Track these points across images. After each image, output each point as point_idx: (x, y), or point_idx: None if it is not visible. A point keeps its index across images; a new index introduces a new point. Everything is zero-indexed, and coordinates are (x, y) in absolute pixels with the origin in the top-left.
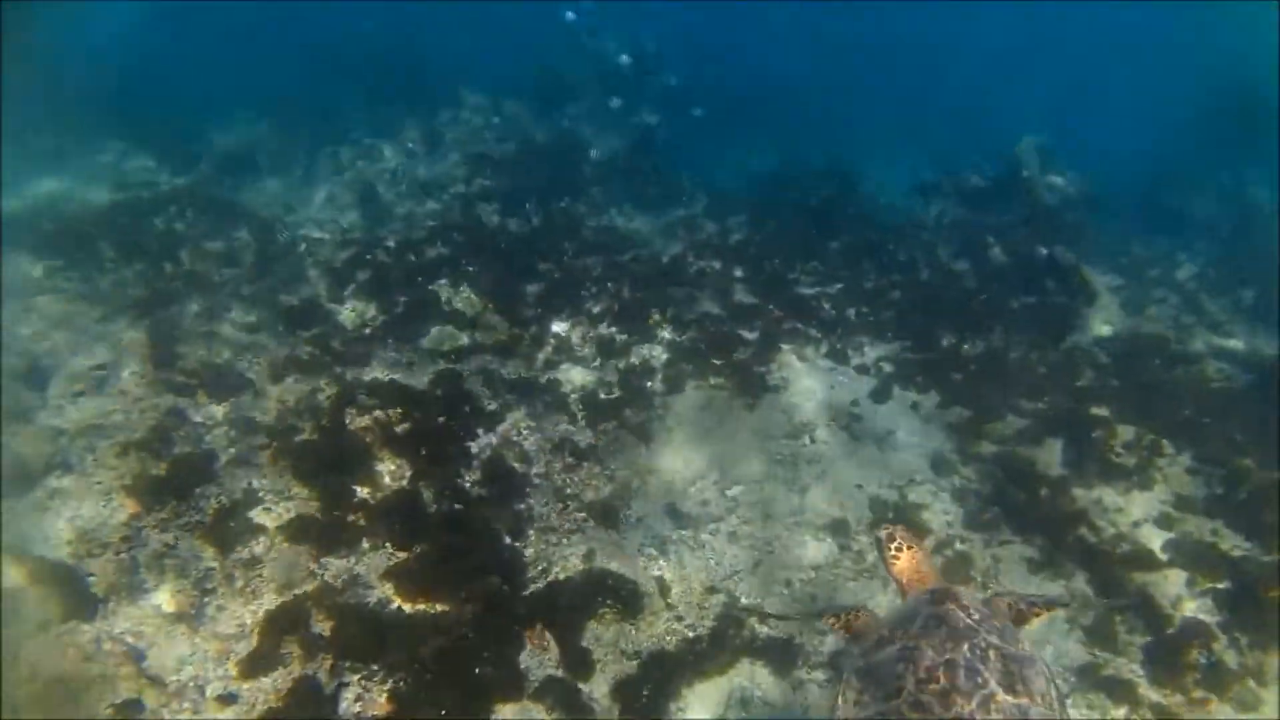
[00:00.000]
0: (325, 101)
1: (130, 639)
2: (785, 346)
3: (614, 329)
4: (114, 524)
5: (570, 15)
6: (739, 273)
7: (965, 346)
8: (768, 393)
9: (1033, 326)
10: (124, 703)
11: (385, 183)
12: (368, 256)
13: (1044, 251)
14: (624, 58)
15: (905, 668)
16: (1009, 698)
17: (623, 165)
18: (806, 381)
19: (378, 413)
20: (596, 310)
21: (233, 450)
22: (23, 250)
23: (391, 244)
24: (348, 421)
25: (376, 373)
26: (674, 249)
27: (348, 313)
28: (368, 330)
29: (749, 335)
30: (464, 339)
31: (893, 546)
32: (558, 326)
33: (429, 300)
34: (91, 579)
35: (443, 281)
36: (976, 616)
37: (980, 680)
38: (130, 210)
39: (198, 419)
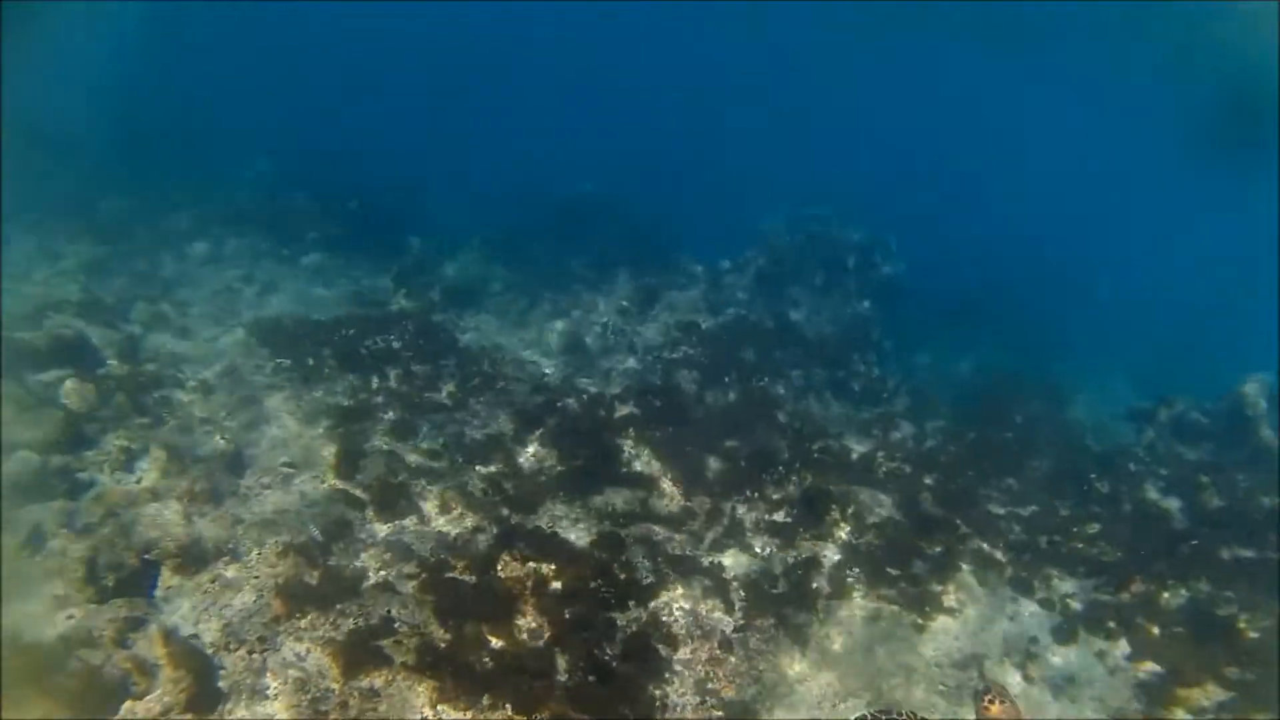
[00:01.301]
0: (554, 252)
1: None
2: (966, 567)
3: (790, 519)
4: (257, 622)
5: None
6: (929, 480)
7: (1166, 595)
8: (941, 614)
9: (1248, 584)
10: None
11: (594, 335)
12: (559, 404)
13: (1267, 502)
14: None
15: None
16: None
17: (830, 353)
18: (985, 608)
19: (532, 564)
20: (776, 497)
21: (383, 573)
22: (262, 345)
23: (586, 395)
24: (500, 567)
25: (541, 522)
26: (865, 446)
27: (528, 456)
28: (543, 478)
29: (929, 549)
30: (636, 504)
31: (986, 699)
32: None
33: (610, 457)
34: (222, 672)
35: (628, 442)
36: None
37: None
38: (361, 324)
39: (360, 534)
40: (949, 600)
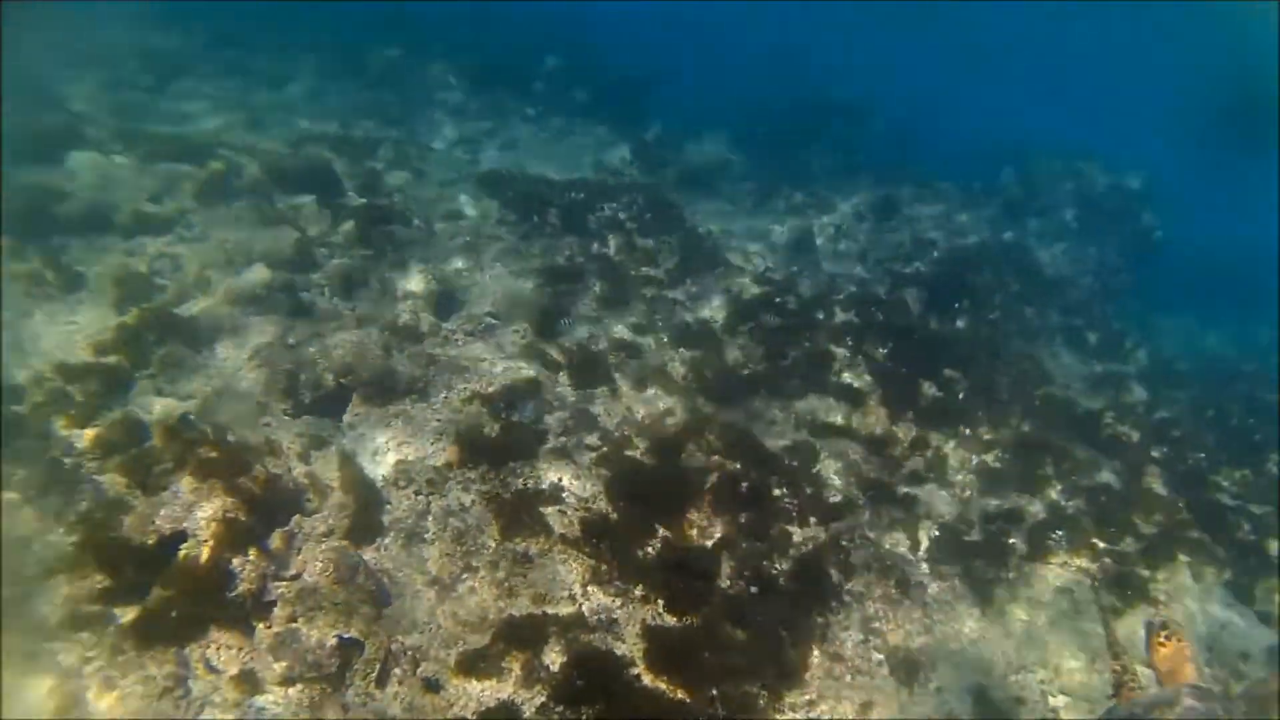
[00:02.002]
0: (798, 149)
1: (387, 579)
2: (1183, 557)
3: (999, 465)
4: (429, 465)
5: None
6: (1156, 453)
7: None
8: (1142, 602)
9: None
10: (348, 639)
11: (825, 237)
12: (777, 300)
13: None
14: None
15: None
16: None
17: (1070, 297)
18: (1191, 605)
19: (717, 458)
20: (988, 438)
21: (564, 440)
22: (491, 197)
23: (806, 295)
24: (685, 455)
25: (736, 417)
26: (1093, 403)
27: (736, 349)
28: (747, 371)
29: (1143, 528)
30: (838, 417)
31: (1163, 635)
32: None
33: (820, 365)
34: (387, 507)
35: (841, 351)
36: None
37: None
38: (590, 190)
39: (549, 396)
40: (1155, 589)
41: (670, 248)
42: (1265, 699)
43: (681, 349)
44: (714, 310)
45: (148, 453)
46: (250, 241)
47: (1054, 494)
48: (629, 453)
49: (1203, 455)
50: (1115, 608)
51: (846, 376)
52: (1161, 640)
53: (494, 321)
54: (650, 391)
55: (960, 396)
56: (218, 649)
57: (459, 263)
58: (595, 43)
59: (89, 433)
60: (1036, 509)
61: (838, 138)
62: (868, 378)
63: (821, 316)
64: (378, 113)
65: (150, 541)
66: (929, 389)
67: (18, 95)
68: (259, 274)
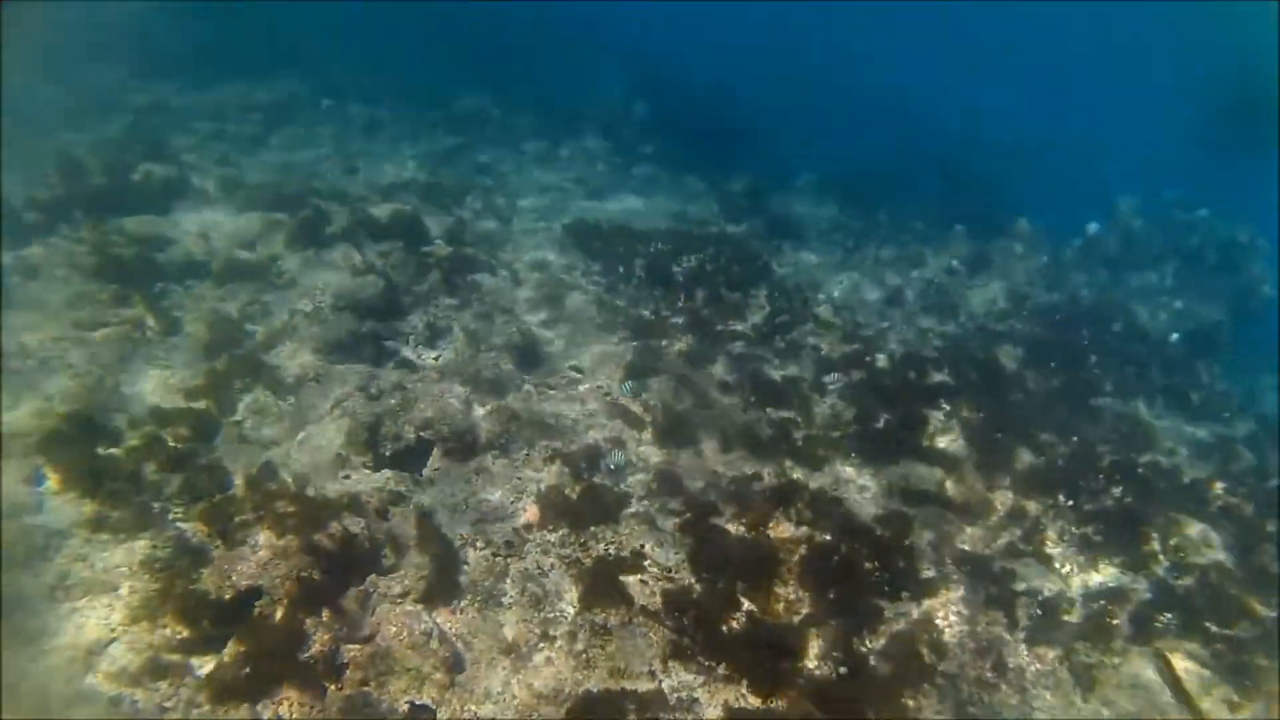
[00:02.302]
0: (891, 199)
1: (457, 642)
2: None
3: (1100, 538)
4: (508, 526)
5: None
6: (1271, 528)
7: None
8: (1258, 696)
9: None
10: (420, 705)
11: (916, 291)
12: (867, 358)
13: None
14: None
15: None
16: None
17: (1171, 355)
18: None
19: (806, 529)
20: (1088, 508)
21: (645, 504)
22: (576, 247)
23: (898, 353)
24: (772, 524)
25: (825, 482)
26: (1199, 470)
27: (825, 407)
28: (836, 434)
29: (1261, 613)
30: (932, 484)
31: None
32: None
33: (913, 425)
34: (465, 568)
35: (936, 413)
36: None
37: None
38: (677, 240)
39: (632, 456)
40: (1270, 684)
41: (757, 302)
42: None
43: (769, 409)
44: (802, 367)
45: (230, 501)
46: (337, 289)
47: (1160, 570)
48: (714, 519)
49: None
50: (1231, 701)
51: (940, 440)
52: None
53: (577, 376)
54: (737, 453)
55: (1059, 463)
56: (289, 706)
57: (543, 314)
58: (686, 89)
59: (177, 478)
60: (1142, 587)
61: (930, 186)
62: (962, 442)
63: (914, 376)
64: (466, 160)
65: (227, 596)
66: (1025, 454)
67: (135, 146)
68: (345, 322)
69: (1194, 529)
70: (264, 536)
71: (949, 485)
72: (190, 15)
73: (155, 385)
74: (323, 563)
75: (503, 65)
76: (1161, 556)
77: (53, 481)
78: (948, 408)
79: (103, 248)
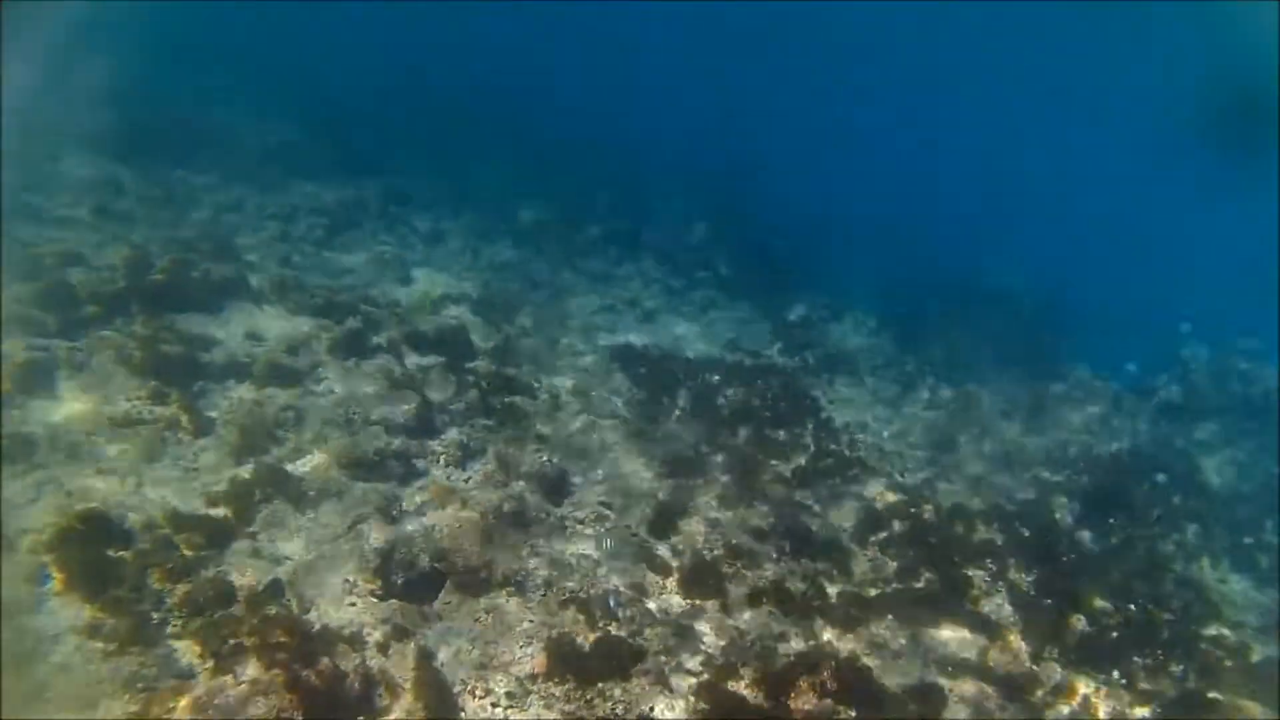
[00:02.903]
0: (949, 337)
1: None
2: None
3: None
4: (513, 674)
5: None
6: None
7: None
8: None
9: None
10: None
11: (970, 436)
12: (912, 509)
13: None
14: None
15: None
16: None
17: (1238, 513)
18: None
19: (830, 702)
20: (1146, 687)
21: (662, 659)
22: (621, 372)
23: (945, 506)
24: (793, 695)
25: (858, 646)
26: (1269, 646)
27: (864, 562)
28: (874, 592)
29: None
30: (973, 652)
31: None
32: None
33: (956, 588)
34: (461, 715)
35: (980, 574)
36: None
37: None
38: (725, 371)
39: (651, 605)
40: None
41: (803, 442)
42: None
43: (805, 560)
44: (843, 516)
45: (230, 619)
46: (373, 402)
47: None
48: (732, 684)
49: None
50: None
51: (984, 604)
52: None
53: (606, 512)
54: (764, 610)
55: (1113, 634)
56: None
57: (578, 442)
58: (748, 211)
59: (182, 588)
60: None
61: (986, 323)
62: (1008, 607)
63: (961, 531)
64: (522, 275)
65: None
66: (1077, 622)
67: (204, 246)
68: (374, 438)
69: (1259, 715)
70: (252, 667)
71: (991, 655)
72: (272, 117)
73: (178, 488)
74: (305, 701)
75: (571, 176)
76: None
77: (57, 581)
78: (994, 568)
79: (152, 343)
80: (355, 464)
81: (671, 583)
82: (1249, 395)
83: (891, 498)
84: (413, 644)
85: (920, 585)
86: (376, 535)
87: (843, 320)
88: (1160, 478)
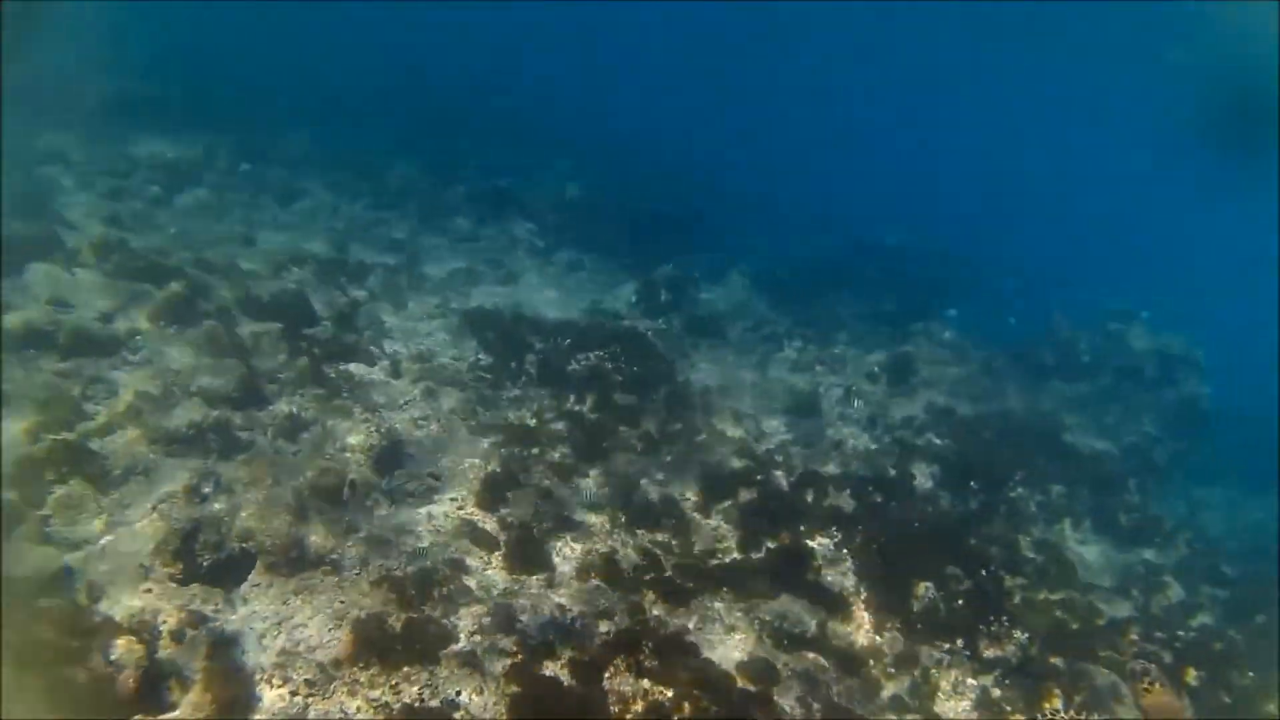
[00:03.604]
0: (823, 294)
1: None
2: None
3: (1000, 689)
4: (316, 658)
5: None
6: (1193, 679)
7: None
8: None
9: None
10: None
11: (834, 398)
12: (759, 476)
13: None
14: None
15: None
16: None
17: (1102, 473)
18: None
19: (646, 682)
20: (989, 655)
21: (475, 641)
22: (472, 336)
23: (796, 470)
24: (608, 674)
25: (689, 621)
26: (1119, 608)
27: (705, 532)
28: (713, 563)
29: None
30: (812, 626)
31: (1145, 681)
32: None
33: (799, 558)
34: (258, 705)
35: (827, 541)
36: None
37: None
38: (581, 333)
39: (472, 583)
40: None
41: (654, 408)
42: None
43: (641, 531)
44: (686, 485)
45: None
46: (195, 373)
47: None
48: (548, 665)
49: (1252, 675)
50: None
51: (829, 575)
52: (1146, 686)
53: (435, 484)
54: (592, 584)
55: (959, 602)
56: None
57: (414, 412)
58: (634, 175)
59: None
60: None
61: (866, 284)
62: (853, 578)
63: (810, 498)
64: (380, 236)
65: None
66: (925, 589)
67: (12, 201)
68: (191, 410)
69: (1103, 680)
70: (6, 673)
71: (831, 626)
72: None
73: None
74: (71, 704)
75: (448, 138)
76: (1063, 716)
77: None
78: (839, 536)
79: None
80: (168, 439)
81: (495, 559)
82: (1121, 356)
83: (739, 464)
84: (204, 631)
85: (760, 555)
86: (180, 515)
87: (720, 282)
88: (1025, 439)
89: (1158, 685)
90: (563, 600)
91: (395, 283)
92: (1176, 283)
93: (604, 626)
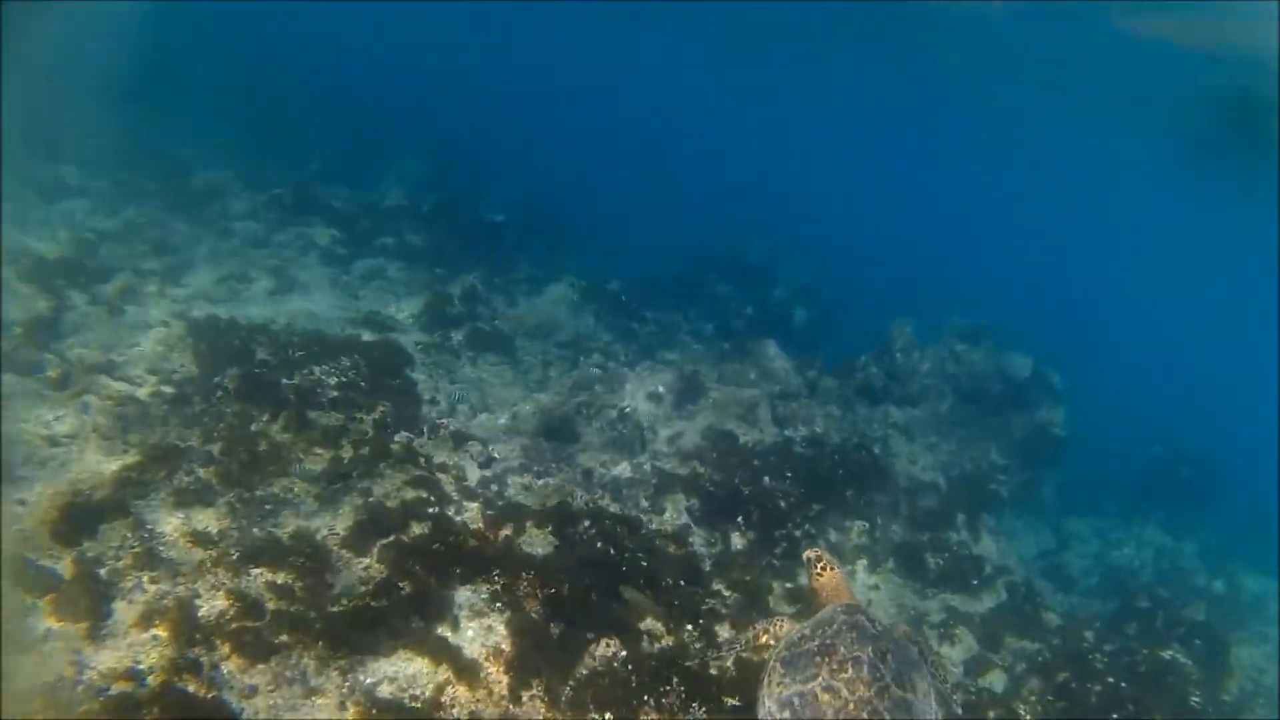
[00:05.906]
0: (664, 307)
1: None
2: None
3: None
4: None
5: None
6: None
7: None
8: None
9: None
10: None
11: (605, 421)
12: (446, 510)
13: None
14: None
15: (822, 659)
16: (899, 691)
17: (923, 507)
18: None
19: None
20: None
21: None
22: (190, 349)
23: (501, 502)
24: None
25: (256, 680)
26: None
27: (354, 573)
28: (336, 608)
29: None
30: (427, 688)
31: (819, 566)
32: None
33: (437, 606)
34: None
35: (485, 589)
36: (880, 629)
37: (879, 674)
38: (320, 346)
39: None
40: None
41: (360, 429)
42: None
43: (256, 570)
44: (343, 519)
45: None
46: None
47: None
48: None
49: None
50: None
51: (469, 626)
52: (818, 571)
53: (19, 509)
54: (151, 633)
55: (650, 663)
56: None
57: (53, 429)
58: (470, 178)
59: None
60: None
61: (719, 301)
62: (502, 630)
63: (508, 535)
64: (152, 239)
65: None
66: (601, 650)
67: None
68: None
69: None
70: None
71: (450, 693)
72: None
73: None
74: None
75: (275, 139)
76: None
77: None
78: (502, 582)
79: None
80: None
81: (45, 603)
82: (958, 381)
83: (411, 495)
84: None
85: (384, 603)
86: None
87: (539, 295)
88: (833, 469)
89: (829, 569)
90: (129, 653)
91: (137, 288)
92: (1027, 301)
93: (153, 683)
